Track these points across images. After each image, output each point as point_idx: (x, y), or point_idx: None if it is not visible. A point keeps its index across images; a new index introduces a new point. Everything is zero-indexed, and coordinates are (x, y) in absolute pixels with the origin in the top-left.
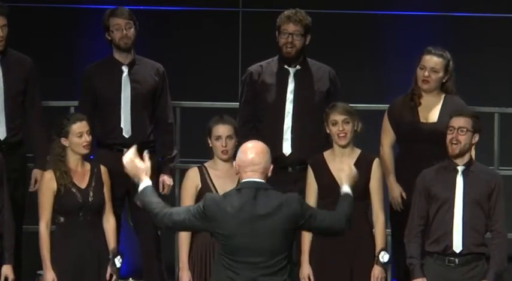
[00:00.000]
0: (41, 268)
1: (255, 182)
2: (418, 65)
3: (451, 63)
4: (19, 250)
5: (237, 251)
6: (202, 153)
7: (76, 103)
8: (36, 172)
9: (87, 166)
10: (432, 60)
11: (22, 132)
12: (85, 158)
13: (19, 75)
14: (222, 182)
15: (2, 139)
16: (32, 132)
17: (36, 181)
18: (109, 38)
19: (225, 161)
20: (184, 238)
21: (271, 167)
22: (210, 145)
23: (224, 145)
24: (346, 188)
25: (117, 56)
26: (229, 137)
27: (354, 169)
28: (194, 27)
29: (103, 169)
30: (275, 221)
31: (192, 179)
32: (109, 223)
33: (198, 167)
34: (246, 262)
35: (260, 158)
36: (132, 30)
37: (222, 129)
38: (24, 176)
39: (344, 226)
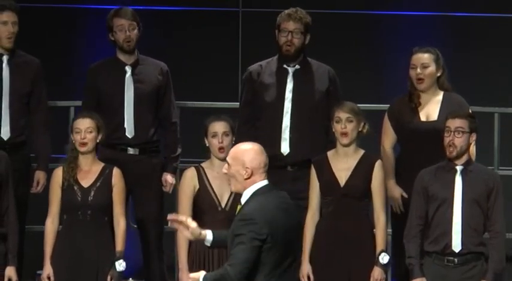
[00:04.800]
0: (41, 268)
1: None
2: (409, 67)
3: (440, 57)
4: (21, 250)
5: None
6: (201, 153)
7: (76, 103)
8: (38, 173)
9: (99, 166)
10: (420, 57)
11: (26, 133)
12: (101, 158)
13: (26, 77)
14: (219, 183)
15: (5, 139)
16: (36, 133)
17: (38, 183)
18: (112, 39)
19: (222, 160)
20: (183, 239)
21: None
22: (207, 145)
23: (220, 141)
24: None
25: (121, 56)
26: (225, 133)
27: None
28: (194, 27)
29: (116, 171)
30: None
31: (190, 179)
32: (119, 226)
33: (195, 167)
34: None
35: None
36: (136, 31)
37: (218, 126)
38: (27, 176)
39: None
